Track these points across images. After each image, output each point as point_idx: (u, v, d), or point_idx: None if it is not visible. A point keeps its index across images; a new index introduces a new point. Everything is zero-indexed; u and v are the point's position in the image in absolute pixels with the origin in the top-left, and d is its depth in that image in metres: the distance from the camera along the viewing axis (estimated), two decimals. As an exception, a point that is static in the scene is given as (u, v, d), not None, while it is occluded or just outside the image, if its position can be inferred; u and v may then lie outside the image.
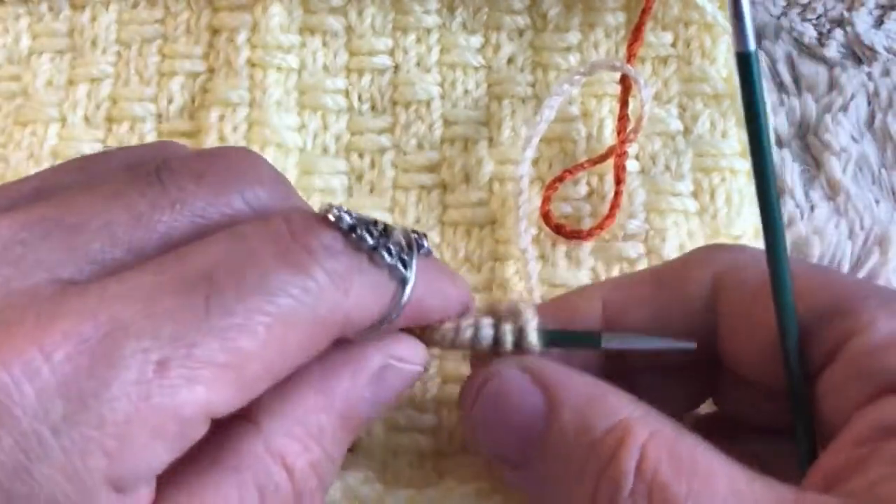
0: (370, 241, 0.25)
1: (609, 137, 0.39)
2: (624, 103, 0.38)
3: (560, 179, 0.38)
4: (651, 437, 0.24)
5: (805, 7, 0.44)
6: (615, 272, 0.37)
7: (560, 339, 0.29)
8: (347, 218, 0.25)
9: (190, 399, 0.22)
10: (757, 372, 0.29)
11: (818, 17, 0.44)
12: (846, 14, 0.43)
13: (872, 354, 0.25)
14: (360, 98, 0.41)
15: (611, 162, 0.38)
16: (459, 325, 0.29)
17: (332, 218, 0.25)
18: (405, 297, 0.26)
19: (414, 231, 0.28)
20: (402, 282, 0.26)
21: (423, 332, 0.29)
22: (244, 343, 0.22)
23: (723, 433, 0.29)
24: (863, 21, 0.43)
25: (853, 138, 0.41)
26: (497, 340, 0.29)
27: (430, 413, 0.35)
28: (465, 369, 0.35)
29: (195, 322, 0.22)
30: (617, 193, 0.38)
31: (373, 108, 0.41)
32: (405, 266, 0.26)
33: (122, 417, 0.21)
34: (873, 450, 0.23)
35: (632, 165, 0.39)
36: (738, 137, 0.40)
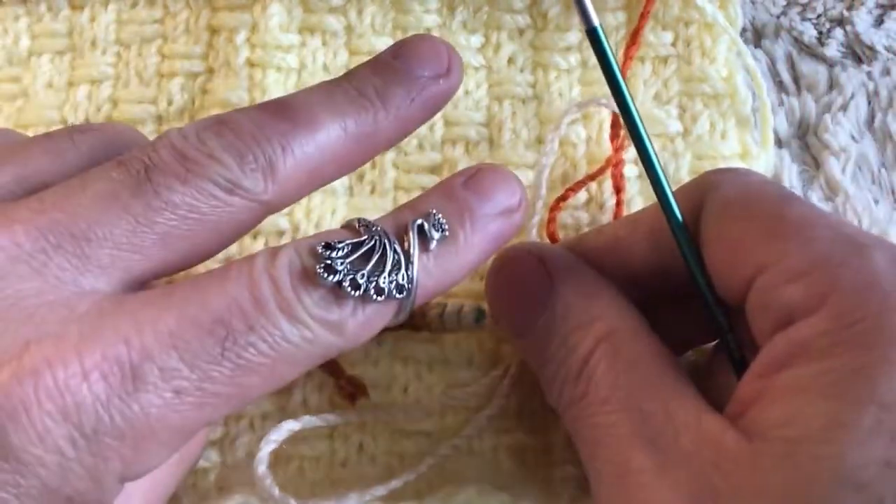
0: (358, 290, 0.26)
1: (609, 140, 0.39)
2: (616, 115, 0.38)
3: (564, 199, 0.38)
4: (607, 335, 0.29)
5: (805, 6, 0.44)
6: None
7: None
8: (333, 274, 0.26)
9: (196, 419, 0.25)
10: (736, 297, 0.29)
11: (818, 17, 0.44)
12: (846, 13, 0.43)
13: (774, 289, 0.26)
14: (360, 98, 0.40)
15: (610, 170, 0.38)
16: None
17: (319, 270, 0.26)
18: (406, 311, 0.28)
19: (425, 220, 0.28)
20: (402, 300, 0.28)
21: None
22: (249, 380, 0.26)
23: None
24: (863, 20, 0.43)
25: (853, 138, 0.41)
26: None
27: (435, 416, 0.35)
28: (466, 375, 0.36)
29: (210, 359, 0.25)
30: (618, 203, 0.38)
31: (373, 108, 0.40)
32: (401, 290, 0.27)
33: (139, 433, 0.24)
34: (766, 384, 0.26)
35: (630, 171, 0.39)
36: (737, 139, 0.40)
